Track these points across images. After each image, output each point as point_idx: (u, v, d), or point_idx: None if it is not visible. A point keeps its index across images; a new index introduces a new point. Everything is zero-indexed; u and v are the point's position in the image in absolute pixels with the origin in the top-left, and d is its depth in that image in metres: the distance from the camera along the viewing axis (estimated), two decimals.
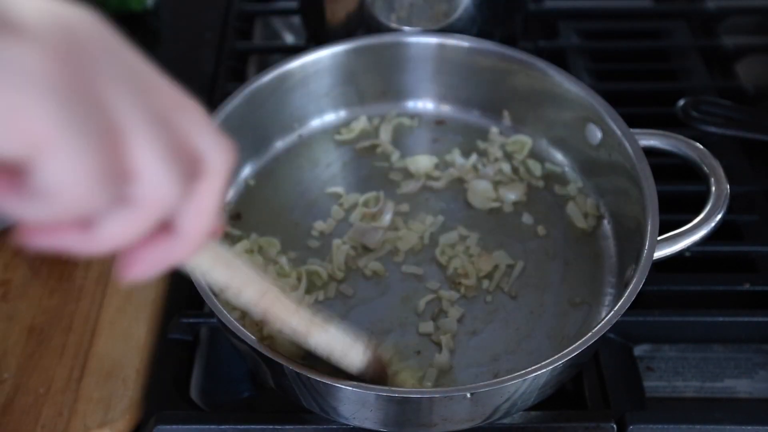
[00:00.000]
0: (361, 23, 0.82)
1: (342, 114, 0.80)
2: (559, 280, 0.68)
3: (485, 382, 0.53)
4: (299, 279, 0.66)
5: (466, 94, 0.79)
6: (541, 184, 0.75)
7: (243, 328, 0.55)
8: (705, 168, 0.64)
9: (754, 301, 0.70)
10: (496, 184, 0.74)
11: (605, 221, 0.71)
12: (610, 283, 0.67)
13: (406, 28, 0.81)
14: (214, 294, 0.56)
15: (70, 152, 0.31)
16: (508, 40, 0.80)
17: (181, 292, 0.70)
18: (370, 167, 0.77)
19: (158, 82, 0.36)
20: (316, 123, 0.79)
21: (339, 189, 0.74)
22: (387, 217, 0.71)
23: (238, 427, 0.60)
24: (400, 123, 0.80)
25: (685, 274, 0.71)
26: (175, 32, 1.02)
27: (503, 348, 0.63)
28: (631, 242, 0.64)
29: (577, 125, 0.72)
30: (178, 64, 1.04)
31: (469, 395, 0.53)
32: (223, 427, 0.60)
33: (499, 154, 0.77)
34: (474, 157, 0.75)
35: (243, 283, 0.47)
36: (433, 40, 0.77)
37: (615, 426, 0.59)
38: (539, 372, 0.53)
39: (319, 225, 0.71)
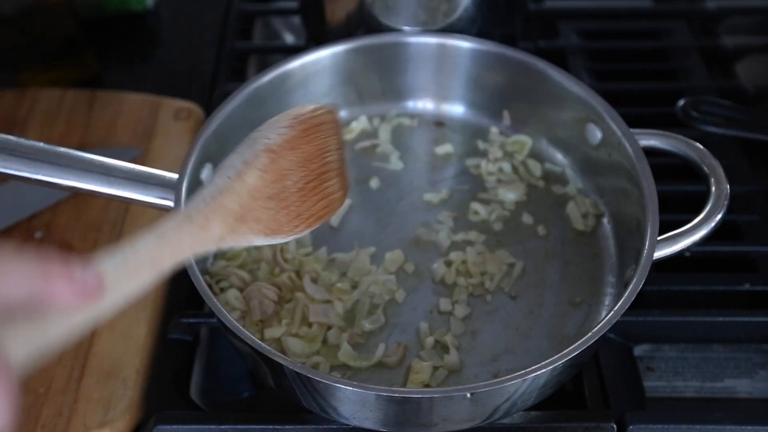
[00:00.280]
0: (361, 23, 0.82)
1: (342, 114, 0.80)
2: (558, 280, 0.68)
3: (485, 382, 0.53)
4: (299, 275, 0.66)
5: (466, 94, 0.79)
6: (541, 184, 0.75)
7: (243, 328, 0.55)
8: (705, 168, 0.64)
9: (754, 301, 0.70)
10: (496, 184, 0.74)
11: (605, 221, 0.71)
12: (610, 283, 0.67)
13: (406, 28, 0.81)
14: (214, 294, 0.56)
15: None
16: (508, 40, 0.80)
17: (181, 292, 0.70)
18: (370, 167, 0.77)
19: None
20: None
21: None
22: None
23: (238, 427, 0.60)
24: (400, 123, 0.80)
25: (685, 274, 0.71)
26: (175, 32, 1.02)
27: (503, 348, 0.63)
28: (631, 242, 0.64)
29: (577, 125, 0.72)
30: (178, 64, 1.05)
31: (469, 395, 0.53)
32: (223, 427, 0.60)
33: (499, 154, 0.77)
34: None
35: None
36: (433, 40, 0.77)
37: (615, 426, 0.59)
38: (539, 372, 0.53)
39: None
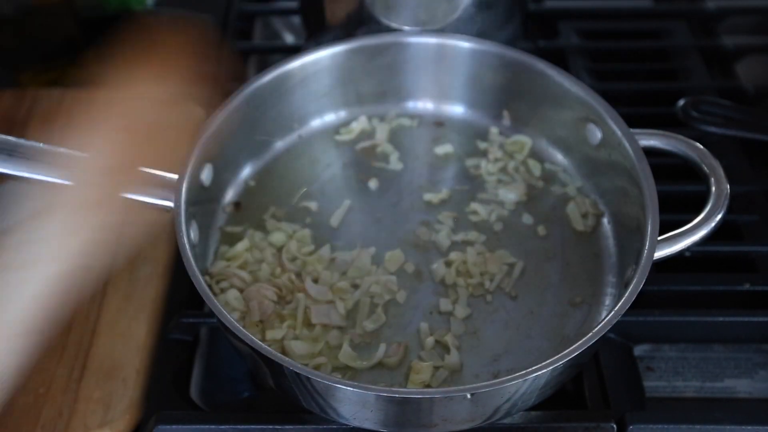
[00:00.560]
0: (361, 23, 0.82)
1: (342, 114, 0.80)
2: (559, 280, 0.68)
3: (485, 383, 0.53)
4: (299, 276, 0.66)
5: (466, 94, 0.79)
6: (541, 184, 0.75)
7: (243, 328, 0.55)
8: (705, 168, 0.63)
9: (754, 301, 0.70)
10: (496, 184, 0.74)
11: (605, 221, 0.71)
12: (610, 283, 0.67)
13: (406, 28, 0.81)
14: (214, 294, 0.56)
15: None
16: (508, 40, 0.80)
17: (181, 292, 0.70)
18: (370, 168, 0.77)
19: None
20: (316, 123, 0.79)
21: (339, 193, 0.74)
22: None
23: (238, 427, 0.60)
24: (399, 123, 0.80)
25: (685, 274, 0.71)
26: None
27: (503, 348, 0.63)
28: (631, 242, 0.64)
29: (577, 125, 0.72)
30: None
31: (469, 396, 0.53)
32: (223, 427, 0.60)
33: (499, 154, 0.77)
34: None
35: None
36: (433, 40, 0.77)
37: (615, 426, 0.59)
38: (539, 372, 0.53)
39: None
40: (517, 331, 0.64)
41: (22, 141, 0.61)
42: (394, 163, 0.77)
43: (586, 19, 0.99)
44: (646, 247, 0.59)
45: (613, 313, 0.56)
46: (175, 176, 0.62)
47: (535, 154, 0.77)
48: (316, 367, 0.60)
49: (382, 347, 0.62)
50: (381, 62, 0.77)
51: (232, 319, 0.56)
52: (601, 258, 0.69)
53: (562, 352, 0.54)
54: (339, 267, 0.68)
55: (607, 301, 0.66)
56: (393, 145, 0.78)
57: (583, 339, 0.54)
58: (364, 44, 0.76)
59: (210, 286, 0.62)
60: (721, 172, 0.63)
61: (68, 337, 0.67)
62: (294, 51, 0.78)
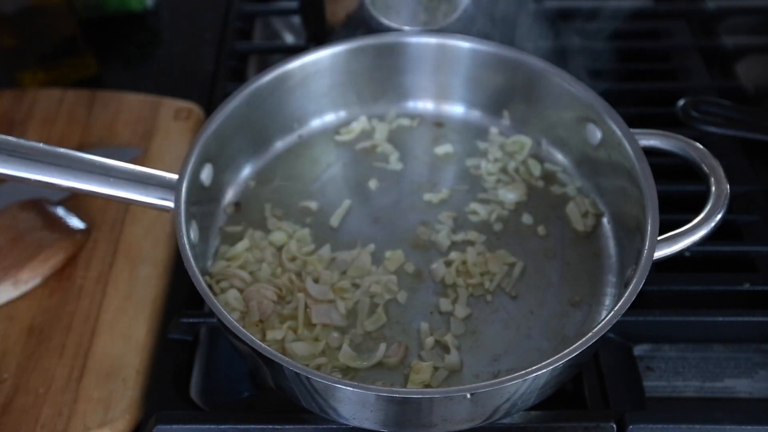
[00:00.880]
0: (361, 23, 0.81)
1: (342, 114, 0.80)
2: (559, 280, 0.68)
3: (485, 383, 0.53)
4: (299, 275, 0.66)
5: (466, 94, 0.79)
6: (541, 184, 0.75)
7: (243, 328, 0.55)
8: (705, 168, 0.63)
9: (754, 301, 0.70)
10: (496, 184, 0.74)
11: (605, 221, 0.71)
12: (610, 283, 0.67)
13: (406, 28, 0.81)
14: (214, 294, 0.56)
15: None
16: (508, 40, 0.80)
17: (181, 292, 0.70)
18: (370, 168, 0.77)
19: None
20: (316, 123, 0.79)
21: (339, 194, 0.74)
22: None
23: (238, 427, 0.60)
24: (399, 123, 0.80)
25: (685, 274, 0.71)
26: (175, 32, 1.02)
27: (503, 348, 0.63)
28: (631, 242, 0.64)
29: (577, 125, 0.72)
30: (178, 64, 1.06)
31: (469, 396, 0.53)
32: (223, 427, 0.60)
33: (499, 154, 0.77)
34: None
35: None
36: (433, 40, 0.77)
37: (615, 426, 0.59)
38: (539, 372, 0.53)
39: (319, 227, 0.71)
40: (517, 331, 0.64)
41: (22, 141, 0.61)
42: (394, 163, 0.77)
43: (586, 19, 0.99)
44: (646, 247, 0.59)
45: (613, 313, 0.56)
46: (175, 176, 0.62)
47: (535, 154, 0.77)
48: (317, 368, 0.60)
49: (382, 347, 0.62)
50: (381, 62, 0.78)
51: (232, 319, 0.56)
52: (601, 258, 0.69)
53: (562, 352, 0.54)
54: (339, 267, 0.68)
55: (607, 301, 0.66)
56: (393, 145, 0.78)
57: (583, 339, 0.54)
58: (364, 44, 0.76)
59: (210, 286, 0.62)
60: (721, 172, 0.63)
61: (68, 337, 0.67)
62: (294, 51, 0.78)
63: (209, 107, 0.84)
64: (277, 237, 0.69)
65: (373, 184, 0.75)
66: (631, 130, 0.66)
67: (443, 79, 0.79)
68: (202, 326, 0.68)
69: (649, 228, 0.60)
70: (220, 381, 0.69)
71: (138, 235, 0.74)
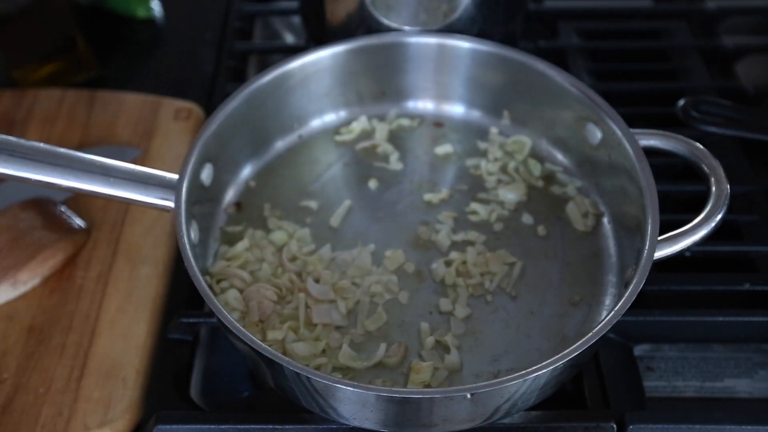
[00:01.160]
0: (361, 23, 0.82)
1: (342, 114, 0.80)
2: (559, 280, 0.68)
3: (485, 383, 0.53)
4: (299, 275, 0.66)
5: (466, 94, 0.79)
6: (541, 184, 0.75)
7: (243, 328, 0.55)
8: (705, 168, 0.64)
9: (754, 301, 0.70)
10: (496, 184, 0.74)
11: (605, 221, 0.71)
12: (610, 283, 0.67)
13: (406, 28, 0.81)
14: (214, 294, 0.56)
15: None
16: (508, 40, 0.80)
17: (181, 292, 0.70)
18: (370, 168, 0.77)
19: None
20: (316, 123, 0.79)
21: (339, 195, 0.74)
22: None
23: (238, 427, 0.60)
24: (399, 123, 0.80)
25: (685, 274, 0.71)
26: (175, 32, 1.02)
27: (503, 348, 0.63)
28: (631, 242, 0.64)
29: (577, 125, 0.72)
30: (178, 65, 1.06)
31: (469, 396, 0.53)
32: (223, 427, 0.60)
33: (499, 154, 0.77)
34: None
35: None
36: (433, 40, 0.77)
37: (615, 426, 0.59)
38: (539, 372, 0.53)
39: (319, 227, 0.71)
40: (517, 331, 0.64)
41: (22, 141, 0.61)
42: (394, 163, 0.77)
43: (586, 19, 0.99)
44: (646, 247, 0.59)
45: (613, 313, 0.56)
46: (176, 176, 0.63)
47: (535, 154, 0.77)
48: (317, 368, 0.60)
49: (382, 347, 0.62)
50: (381, 62, 0.78)
51: (232, 319, 0.56)
52: (601, 258, 0.69)
53: (562, 352, 0.54)
54: (339, 267, 0.68)
55: (607, 301, 0.66)
56: (393, 145, 0.78)
57: (583, 339, 0.54)
58: (364, 44, 0.76)
59: (210, 286, 0.62)
60: (721, 172, 0.63)
61: (68, 337, 0.67)
62: (294, 51, 0.78)
63: (209, 107, 0.84)
64: (278, 237, 0.70)
65: (373, 184, 0.75)
66: (631, 130, 0.66)
67: (443, 79, 0.79)
68: (202, 326, 0.68)
69: (649, 228, 0.60)
70: (220, 381, 0.69)
71: (138, 235, 0.74)
